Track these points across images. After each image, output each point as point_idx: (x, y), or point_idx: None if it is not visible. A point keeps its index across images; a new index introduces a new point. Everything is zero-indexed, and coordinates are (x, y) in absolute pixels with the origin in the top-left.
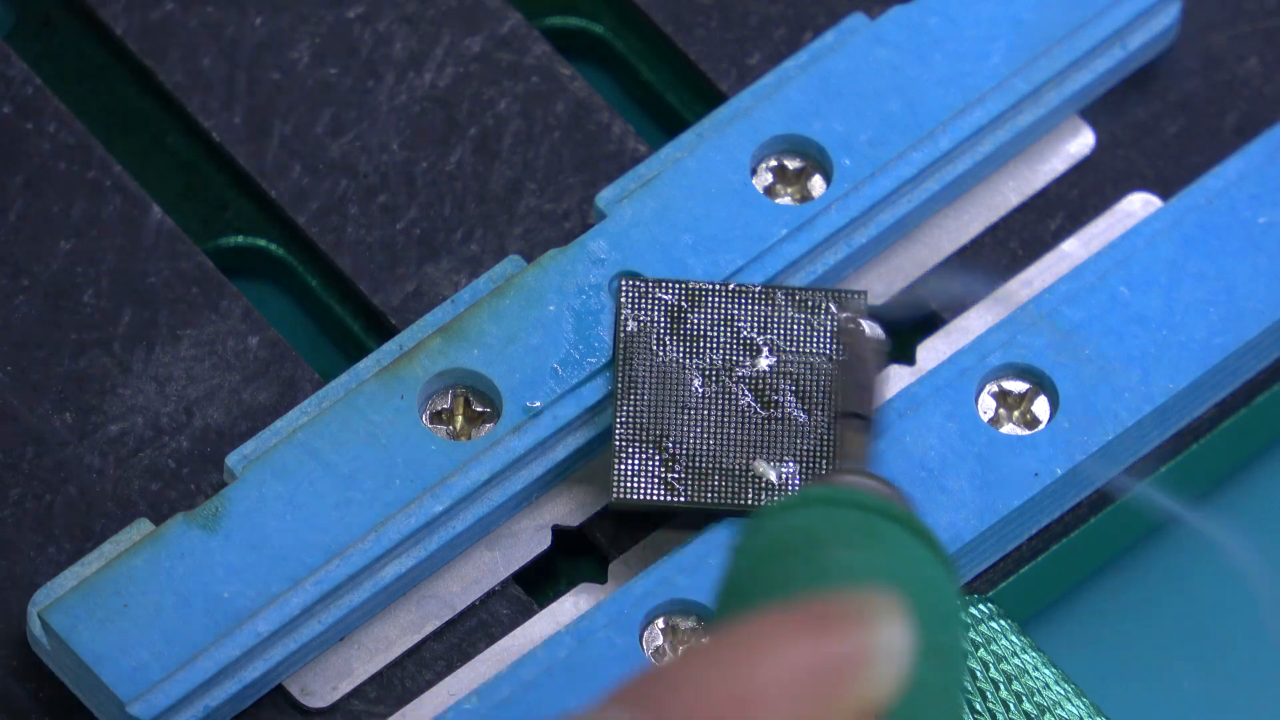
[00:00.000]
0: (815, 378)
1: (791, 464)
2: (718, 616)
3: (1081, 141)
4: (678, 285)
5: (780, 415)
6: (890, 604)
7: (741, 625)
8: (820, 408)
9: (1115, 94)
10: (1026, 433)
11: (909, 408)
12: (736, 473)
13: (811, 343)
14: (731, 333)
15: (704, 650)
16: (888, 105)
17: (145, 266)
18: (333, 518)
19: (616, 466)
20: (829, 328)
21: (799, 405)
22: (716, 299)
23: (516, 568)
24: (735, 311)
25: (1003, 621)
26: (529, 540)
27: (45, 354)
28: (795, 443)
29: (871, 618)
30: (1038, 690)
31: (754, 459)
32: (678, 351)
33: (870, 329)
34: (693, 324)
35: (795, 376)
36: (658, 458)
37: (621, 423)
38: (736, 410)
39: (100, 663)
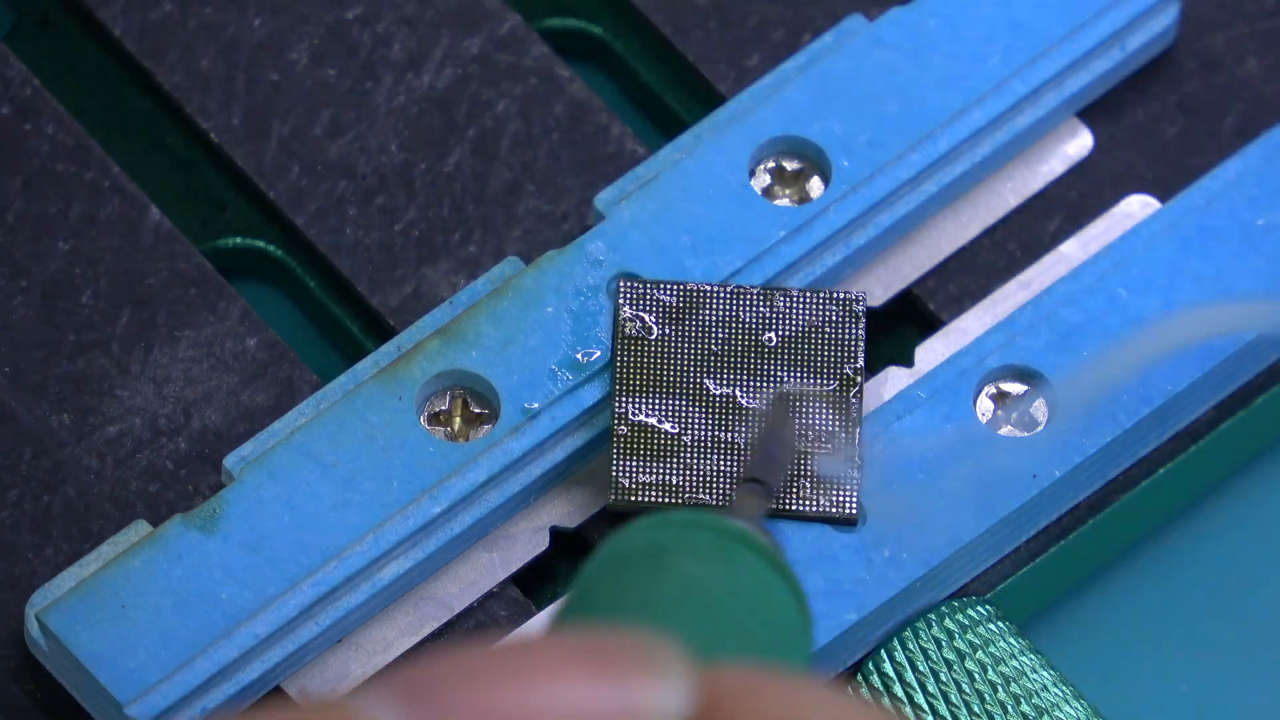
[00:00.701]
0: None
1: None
2: (556, 614)
3: (1080, 143)
4: (676, 287)
5: None
6: (673, 655)
7: (528, 645)
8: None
9: (1114, 95)
10: (1024, 435)
11: (907, 410)
12: (735, 475)
13: (810, 344)
14: (730, 334)
15: (486, 660)
16: (886, 106)
17: (143, 267)
18: (331, 519)
19: (615, 468)
20: (829, 330)
21: None
22: (715, 300)
23: (515, 569)
24: (734, 313)
25: (1001, 623)
26: (527, 542)
27: (43, 355)
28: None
29: (654, 668)
30: (1036, 692)
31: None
32: (676, 353)
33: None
34: (691, 325)
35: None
36: (656, 459)
37: (620, 424)
38: (735, 412)
39: (98, 664)
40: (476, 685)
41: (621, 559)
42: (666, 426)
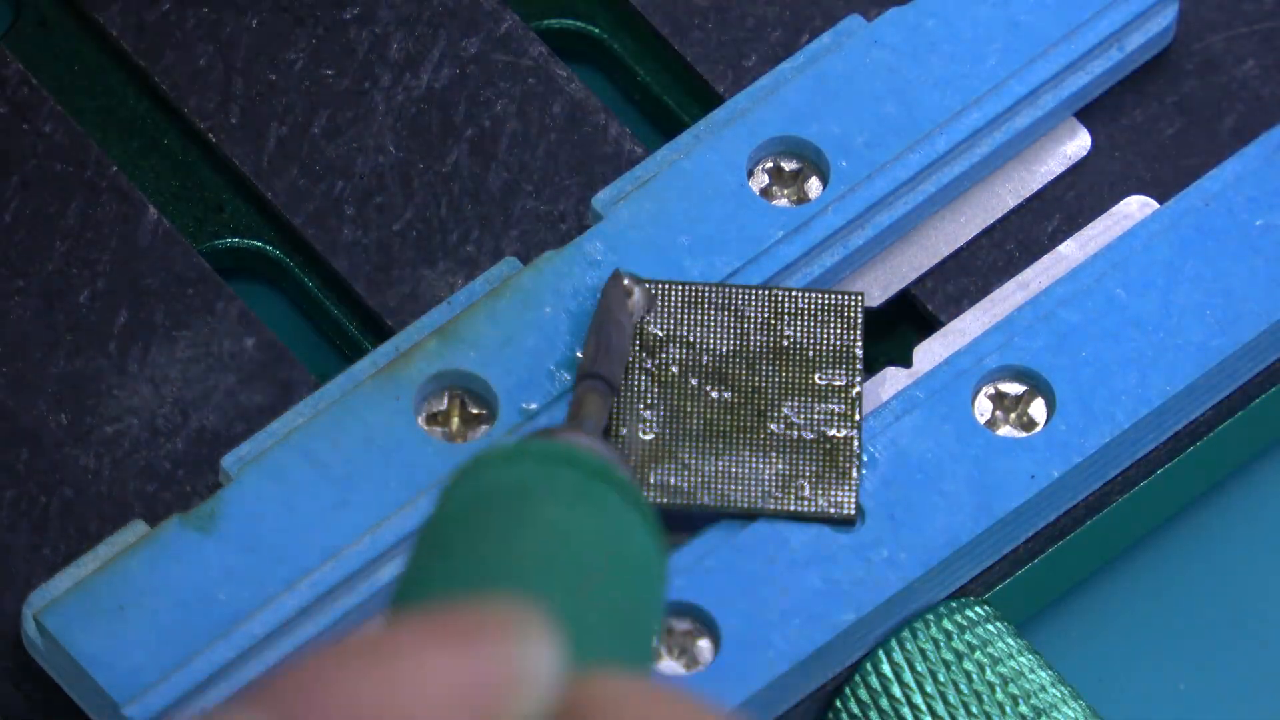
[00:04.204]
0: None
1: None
2: (412, 562)
3: (1078, 143)
4: (674, 287)
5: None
6: (536, 620)
7: (387, 632)
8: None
9: (1112, 96)
10: (1023, 435)
11: (905, 410)
12: (734, 474)
13: (809, 344)
14: (728, 334)
15: (347, 655)
16: (884, 107)
17: (141, 267)
18: (328, 519)
19: None
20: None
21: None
22: (713, 300)
23: None
24: (732, 313)
25: (1000, 624)
26: None
27: (41, 355)
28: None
29: (518, 635)
30: (1034, 693)
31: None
32: (674, 353)
33: (638, 297)
34: (689, 325)
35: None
36: (654, 460)
37: (617, 425)
38: (733, 412)
39: (95, 664)
40: (340, 683)
41: (481, 500)
42: (664, 427)
